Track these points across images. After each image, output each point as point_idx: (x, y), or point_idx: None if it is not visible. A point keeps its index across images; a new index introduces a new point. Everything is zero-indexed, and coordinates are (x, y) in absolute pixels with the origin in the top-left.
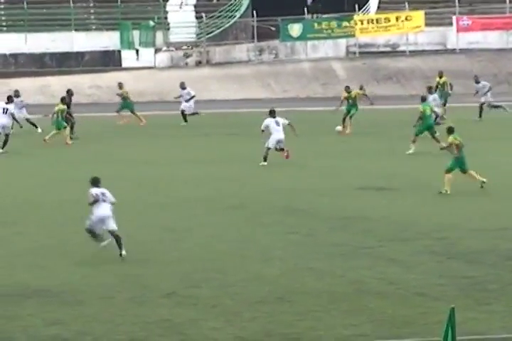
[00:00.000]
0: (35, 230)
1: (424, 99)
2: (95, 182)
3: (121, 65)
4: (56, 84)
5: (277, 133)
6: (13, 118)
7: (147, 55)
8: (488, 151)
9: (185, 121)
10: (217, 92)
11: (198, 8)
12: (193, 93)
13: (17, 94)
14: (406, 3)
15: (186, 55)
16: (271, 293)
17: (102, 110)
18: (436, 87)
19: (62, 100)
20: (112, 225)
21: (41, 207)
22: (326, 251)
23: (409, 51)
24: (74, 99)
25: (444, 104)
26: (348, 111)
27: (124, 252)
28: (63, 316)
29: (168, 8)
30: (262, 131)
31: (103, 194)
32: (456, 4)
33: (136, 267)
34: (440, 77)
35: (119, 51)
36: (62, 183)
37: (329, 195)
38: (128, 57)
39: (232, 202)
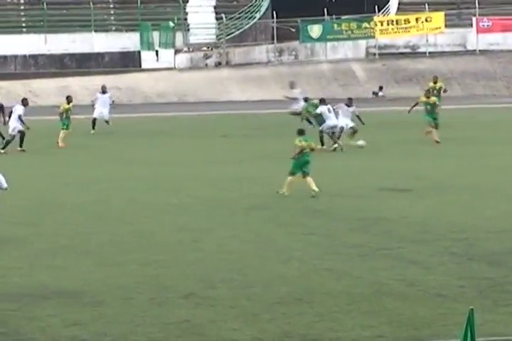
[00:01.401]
0: (55, 231)
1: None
2: None
3: (140, 66)
4: (76, 85)
5: (330, 120)
6: (21, 121)
7: (167, 56)
8: (508, 152)
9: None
10: (236, 93)
11: (217, 9)
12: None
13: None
14: (426, 5)
15: (206, 56)
16: (289, 294)
17: (122, 111)
18: (432, 91)
19: (68, 99)
20: None
21: (61, 207)
22: (345, 252)
23: (429, 52)
24: (92, 98)
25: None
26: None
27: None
28: (82, 317)
29: (187, 9)
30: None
31: None
32: (476, 5)
33: (155, 268)
34: (435, 83)
35: (139, 52)
36: (82, 184)
37: (349, 196)
38: (148, 58)
39: (251, 202)
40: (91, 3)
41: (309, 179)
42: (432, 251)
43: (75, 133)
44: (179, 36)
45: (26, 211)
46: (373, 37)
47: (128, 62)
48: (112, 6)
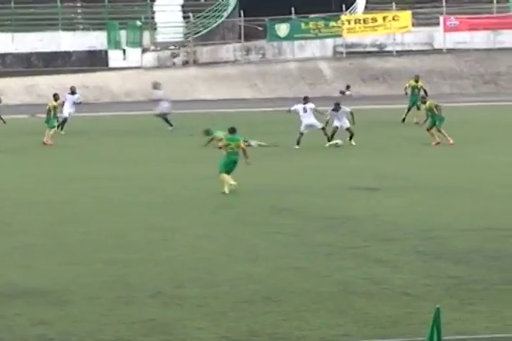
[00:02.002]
0: (25, 229)
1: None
2: None
3: (108, 65)
4: (43, 84)
5: (306, 119)
6: None
7: (134, 55)
8: (479, 151)
9: None
10: (204, 92)
11: (185, 8)
12: None
13: None
14: (393, 4)
15: (173, 55)
16: (257, 293)
17: (89, 110)
18: (413, 91)
19: (55, 96)
20: None
21: (31, 206)
22: (313, 251)
23: (396, 51)
24: (61, 100)
25: (409, 109)
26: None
27: None
28: (49, 316)
29: (155, 8)
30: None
31: None
32: (444, 4)
33: (123, 267)
34: (416, 81)
35: (106, 51)
36: (52, 183)
37: (316, 195)
38: (115, 57)
39: (219, 201)
40: (58, 2)
41: (227, 177)
42: (399, 250)
43: (42, 132)
44: (146, 35)
45: None
46: (340, 36)
47: (95, 61)
48: (79, 4)
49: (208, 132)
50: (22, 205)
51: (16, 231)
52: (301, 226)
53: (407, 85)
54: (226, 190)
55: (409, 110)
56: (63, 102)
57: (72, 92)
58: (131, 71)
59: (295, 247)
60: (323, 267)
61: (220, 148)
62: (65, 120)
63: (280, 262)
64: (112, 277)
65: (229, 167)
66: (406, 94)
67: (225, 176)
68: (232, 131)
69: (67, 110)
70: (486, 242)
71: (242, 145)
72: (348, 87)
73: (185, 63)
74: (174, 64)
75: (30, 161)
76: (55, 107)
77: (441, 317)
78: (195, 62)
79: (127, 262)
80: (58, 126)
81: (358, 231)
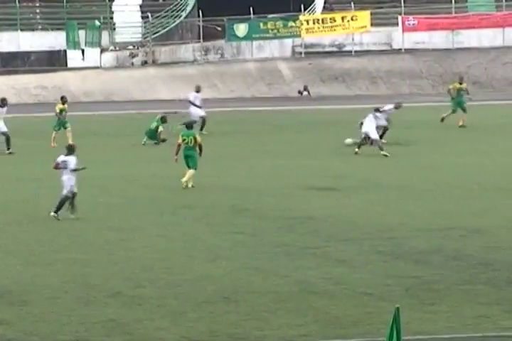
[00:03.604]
0: None
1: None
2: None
3: (67, 65)
4: (2, 84)
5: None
6: None
7: (93, 55)
8: (436, 152)
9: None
10: (163, 92)
11: (143, 8)
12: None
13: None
14: (352, 3)
15: (132, 55)
16: (217, 293)
17: (47, 110)
18: (458, 92)
19: (62, 99)
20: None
21: None
22: (272, 251)
23: (355, 51)
24: (19, 100)
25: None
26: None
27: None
28: (9, 316)
29: (113, 8)
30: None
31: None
32: (402, 4)
33: (82, 267)
34: (460, 83)
35: (65, 51)
36: (9, 183)
37: (276, 195)
38: (74, 57)
39: (179, 201)
40: (17, 2)
41: (190, 172)
42: (359, 250)
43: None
44: (105, 35)
45: None
46: (299, 36)
47: (54, 61)
48: (37, 4)
49: (188, 126)
50: None
51: None
52: (260, 226)
53: (451, 87)
54: (184, 178)
55: (453, 112)
56: None
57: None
58: (90, 71)
59: (254, 247)
60: (283, 267)
61: (179, 144)
62: None
63: (240, 262)
64: (70, 277)
65: (186, 161)
66: (451, 97)
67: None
68: (188, 126)
69: None
70: (445, 242)
71: (198, 140)
72: (305, 88)
73: (144, 63)
74: (133, 64)
75: None
76: (61, 110)
77: (401, 317)
78: (154, 62)
79: (86, 262)
80: None
81: (317, 231)
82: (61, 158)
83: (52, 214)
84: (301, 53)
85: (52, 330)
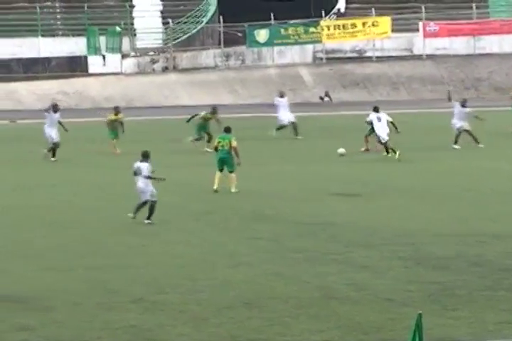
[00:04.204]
0: (2, 236)
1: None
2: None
3: (87, 71)
4: (23, 90)
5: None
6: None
7: (114, 60)
8: (454, 157)
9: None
10: (184, 98)
11: (164, 14)
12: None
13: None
14: (373, 9)
15: (153, 61)
16: (238, 299)
17: (69, 116)
18: None
19: (116, 109)
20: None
21: (7, 212)
22: (293, 257)
23: (376, 57)
24: (41, 105)
25: None
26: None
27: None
28: (31, 322)
29: (134, 14)
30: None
31: (138, 168)
32: (423, 10)
33: (104, 273)
34: None
35: (86, 57)
36: (27, 188)
37: (296, 201)
38: (94, 63)
39: (200, 207)
40: (38, 8)
41: (231, 176)
42: (380, 256)
43: (22, 138)
44: (126, 41)
45: None
46: (320, 41)
47: (75, 66)
48: (58, 10)
49: (226, 130)
50: None
51: None
52: (281, 231)
53: None
54: (215, 186)
55: None
56: None
57: None
58: (110, 77)
59: (275, 253)
60: (304, 273)
61: (216, 148)
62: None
63: (261, 268)
64: (92, 283)
65: (219, 164)
66: None
67: (219, 175)
68: (226, 130)
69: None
70: (465, 248)
71: (234, 144)
72: (326, 94)
73: (165, 69)
74: (154, 70)
75: (4, 168)
76: (113, 121)
77: (423, 322)
78: (175, 68)
79: (107, 268)
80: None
81: (337, 236)
82: (136, 164)
83: (146, 221)
84: (322, 59)
85: (74, 336)
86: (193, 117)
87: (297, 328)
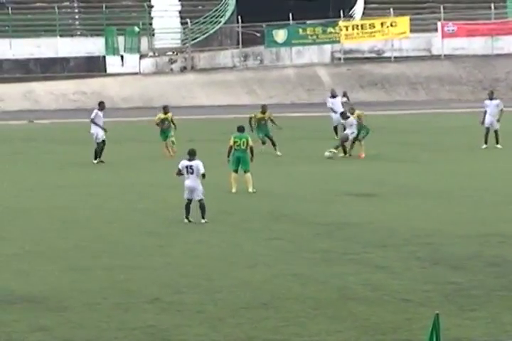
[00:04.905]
0: (20, 236)
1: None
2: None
3: (105, 71)
4: (41, 90)
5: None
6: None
7: (132, 60)
8: (475, 158)
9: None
10: (201, 98)
11: (182, 14)
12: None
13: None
14: (391, 9)
15: (171, 61)
16: (255, 299)
17: (86, 116)
18: None
19: (164, 109)
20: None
21: (26, 213)
22: (311, 257)
23: (394, 57)
24: (57, 106)
25: None
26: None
27: (203, 220)
28: (48, 322)
29: (153, 14)
30: None
31: (190, 166)
32: (441, 10)
33: (121, 273)
34: None
35: (104, 57)
36: (47, 189)
37: (314, 201)
38: (113, 63)
39: (218, 207)
40: (56, 8)
41: (247, 176)
42: (397, 256)
43: (40, 138)
44: (144, 41)
45: None
46: (338, 42)
47: (93, 66)
48: (76, 10)
49: (239, 129)
50: (16, 212)
51: (13, 237)
52: (299, 232)
53: None
54: (234, 189)
55: None
56: None
57: None
58: (129, 77)
59: (293, 253)
60: (322, 273)
61: (231, 147)
62: None
63: (278, 268)
64: (109, 283)
65: (236, 164)
66: None
67: (235, 176)
68: (240, 129)
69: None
70: (483, 248)
71: (251, 143)
72: (344, 94)
73: (183, 69)
74: (172, 70)
75: (23, 168)
76: (162, 120)
77: (440, 323)
78: (193, 68)
79: (125, 268)
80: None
81: (355, 237)
82: (185, 163)
83: (203, 221)
84: (340, 59)
85: (90, 336)
86: (250, 122)
87: (314, 329)
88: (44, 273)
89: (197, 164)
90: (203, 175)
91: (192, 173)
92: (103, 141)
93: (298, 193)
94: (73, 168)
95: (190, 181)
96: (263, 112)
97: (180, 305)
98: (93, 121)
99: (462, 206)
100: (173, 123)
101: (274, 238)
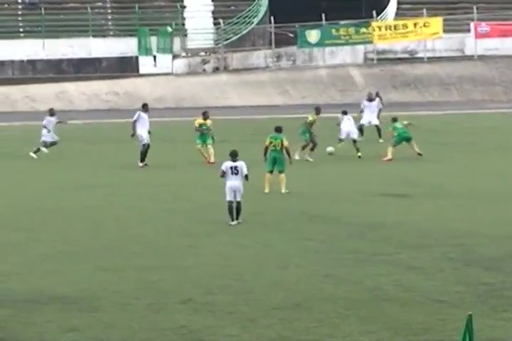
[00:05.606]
0: (52, 236)
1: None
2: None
3: (138, 71)
4: (73, 91)
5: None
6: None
7: (165, 61)
8: (505, 158)
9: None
10: (234, 99)
11: (215, 15)
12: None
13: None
14: (424, 10)
15: (204, 62)
16: (287, 300)
17: (119, 116)
18: None
19: (204, 115)
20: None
21: (58, 213)
22: (343, 258)
23: (427, 58)
24: (90, 106)
25: None
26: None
27: (234, 222)
28: (80, 323)
29: (185, 15)
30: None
31: (235, 167)
32: (475, 10)
33: (153, 273)
34: None
35: (137, 57)
36: (78, 189)
37: (346, 201)
38: (145, 64)
39: (249, 208)
40: (89, 9)
41: (281, 177)
42: (430, 257)
43: (72, 138)
44: (177, 41)
45: (23, 216)
46: (371, 42)
47: (126, 67)
48: (109, 11)
49: (276, 129)
50: (48, 212)
51: (44, 238)
52: (331, 232)
53: None
54: (266, 189)
55: None
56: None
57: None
58: (161, 77)
59: (325, 254)
60: (354, 274)
61: (266, 147)
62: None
63: (310, 269)
64: (141, 283)
65: (271, 164)
66: None
67: (269, 177)
68: (277, 129)
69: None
70: None
71: (285, 144)
72: (377, 94)
73: (216, 70)
74: (205, 70)
75: (55, 168)
76: (200, 125)
77: (473, 324)
78: (226, 69)
79: (156, 269)
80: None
81: (387, 237)
82: (229, 164)
83: (236, 222)
84: (373, 60)
85: (123, 337)
86: (306, 125)
87: (346, 329)
88: (76, 273)
89: (241, 165)
90: (246, 177)
91: (237, 174)
92: (147, 143)
93: (330, 193)
94: (105, 168)
95: (234, 182)
96: (317, 114)
97: (212, 305)
98: (135, 123)
99: (494, 206)
100: (210, 131)
101: (306, 238)
